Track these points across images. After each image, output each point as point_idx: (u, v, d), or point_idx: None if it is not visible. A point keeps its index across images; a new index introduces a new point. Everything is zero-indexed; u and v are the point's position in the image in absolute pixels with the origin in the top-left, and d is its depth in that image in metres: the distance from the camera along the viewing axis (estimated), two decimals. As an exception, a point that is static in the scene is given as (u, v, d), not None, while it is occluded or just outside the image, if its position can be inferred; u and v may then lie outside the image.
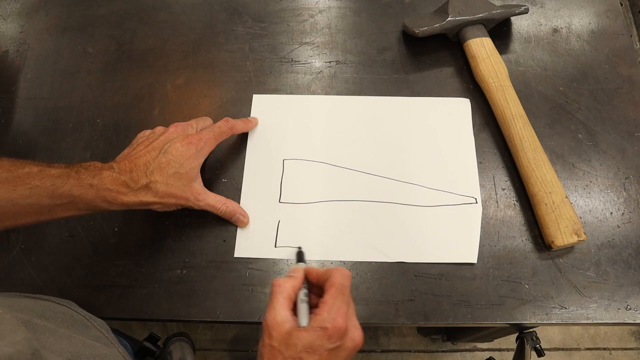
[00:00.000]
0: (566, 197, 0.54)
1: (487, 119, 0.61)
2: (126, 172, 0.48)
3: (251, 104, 0.63)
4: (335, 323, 0.39)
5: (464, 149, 0.59)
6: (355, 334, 0.41)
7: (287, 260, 0.54)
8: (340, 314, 0.40)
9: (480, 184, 0.58)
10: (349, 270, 0.54)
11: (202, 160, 0.53)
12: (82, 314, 0.46)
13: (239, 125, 0.58)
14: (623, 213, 0.56)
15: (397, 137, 0.61)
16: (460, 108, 0.62)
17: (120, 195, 0.47)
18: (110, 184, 0.46)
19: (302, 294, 0.43)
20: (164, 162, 0.49)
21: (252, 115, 0.62)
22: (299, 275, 0.44)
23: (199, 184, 0.53)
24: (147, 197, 0.48)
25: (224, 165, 0.60)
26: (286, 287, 0.42)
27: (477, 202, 0.56)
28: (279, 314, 0.40)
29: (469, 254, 0.54)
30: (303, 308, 0.42)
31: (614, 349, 1.24)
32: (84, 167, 0.47)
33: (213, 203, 0.53)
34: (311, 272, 0.44)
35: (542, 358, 0.65)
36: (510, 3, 0.69)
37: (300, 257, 0.50)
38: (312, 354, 0.39)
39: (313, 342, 0.39)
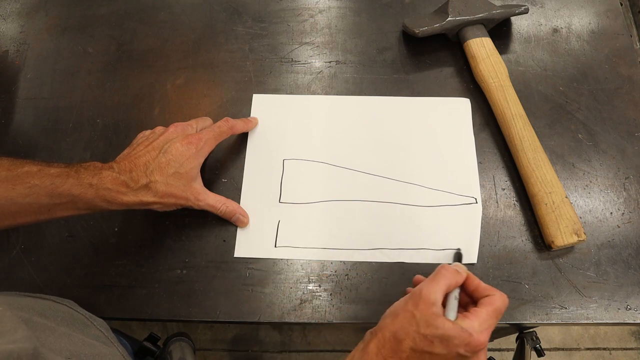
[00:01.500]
0: (566, 197, 0.54)
1: (487, 119, 0.61)
2: (126, 172, 0.48)
3: (251, 104, 0.63)
4: (480, 336, 0.40)
5: (464, 149, 0.59)
6: (482, 358, 0.42)
7: (287, 260, 0.54)
8: (488, 332, 0.41)
9: (480, 184, 0.58)
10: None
11: (202, 160, 0.53)
12: (82, 313, 0.46)
13: (239, 125, 0.58)
14: (623, 213, 0.56)
15: (397, 137, 0.61)
16: (460, 108, 0.62)
17: (120, 194, 0.47)
18: (110, 183, 0.46)
19: (457, 292, 0.44)
20: (164, 162, 0.49)
21: (252, 115, 0.62)
22: (463, 275, 0.44)
23: (199, 184, 0.53)
24: (147, 197, 0.49)
25: (224, 165, 0.60)
26: (452, 278, 0.43)
27: (477, 202, 0.56)
28: (436, 294, 0.41)
29: (469, 254, 0.54)
30: (454, 304, 0.43)
31: (614, 349, 1.24)
32: (84, 167, 0.47)
33: (213, 203, 0.53)
34: (472, 280, 0.45)
35: (542, 358, 0.65)
36: (510, 3, 0.69)
37: (458, 257, 0.51)
38: (444, 346, 0.39)
39: (452, 338, 0.39)
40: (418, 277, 0.49)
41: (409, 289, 0.48)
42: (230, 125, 0.56)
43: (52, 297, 0.45)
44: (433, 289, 0.41)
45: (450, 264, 0.46)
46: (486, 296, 0.43)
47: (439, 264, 0.53)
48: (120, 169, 0.48)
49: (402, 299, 0.43)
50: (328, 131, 0.61)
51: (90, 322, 0.45)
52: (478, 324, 0.40)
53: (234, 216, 0.55)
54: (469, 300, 0.46)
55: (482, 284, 0.44)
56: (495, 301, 0.42)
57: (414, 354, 0.40)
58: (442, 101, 0.63)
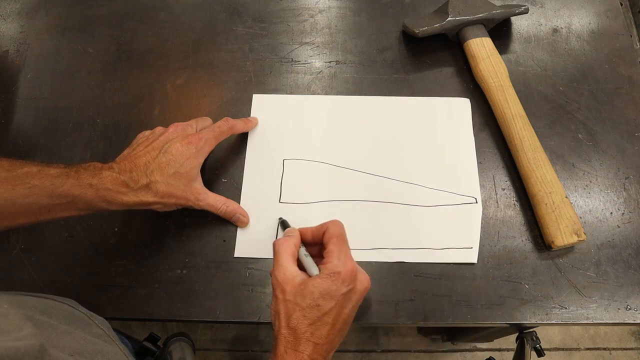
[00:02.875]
0: (566, 197, 0.54)
1: (487, 119, 0.61)
2: (126, 172, 0.48)
3: (251, 104, 0.63)
4: (346, 267, 0.43)
5: (464, 149, 0.59)
6: (363, 277, 0.44)
7: (287, 260, 0.54)
8: (348, 257, 0.44)
9: (480, 184, 0.58)
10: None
11: (202, 160, 0.53)
12: (84, 312, 0.46)
13: (238, 125, 0.58)
14: (623, 213, 0.56)
15: (397, 137, 0.61)
16: (460, 108, 0.62)
17: (120, 195, 0.47)
18: (110, 183, 0.46)
19: (304, 250, 0.47)
20: (164, 162, 0.49)
21: (252, 115, 0.62)
22: (296, 234, 0.47)
23: (199, 184, 0.53)
24: (147, 197, 0.48)
25: (224, 165, 0.60)
26: (288, 244, 0.45)
27: (477, 202, 0.56)
28: (287, 270, 0.43)
29: (469, 254, 0.54)
30: (309, 261, 0.45)
31: (614, 349, 1.24)
32: (84, 167, 0.47)
33: (213, 203, 0.53)
34: (306, 231, 0.48)
35: (542, 358, 0.65)
36: (510, 3, 0.69)
37: (284, 224, 0.53)
38: (328, 299, 0.41)
39: (329, 288, 0.42)
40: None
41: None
42: (230, 125, 0.56)
43: (54, 297, 0.45)
44: (282, 269, 0.43)
45: (279, 237, 0.48)
46: (323, 233, 0.46)
47: (439, 263, 0.53)
48: (120, 169, 0.48)
49: (273, 290, 0.44)
50: (328, 131, 0.61)
51: (92, 321, 0.45)
52: (337, 259, 0.43)
53: (234, 216, 0.55)
54: (319, 245, 0.48)
55: (314, 228, 0.47)
56: (333, 232, 0.45)
57: (315, 326, 0.41)
58: (442, 101, 0.63)
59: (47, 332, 0.37)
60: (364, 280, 0.45)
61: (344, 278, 0.42)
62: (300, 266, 0.46)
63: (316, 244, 0.48)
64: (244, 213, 0.55)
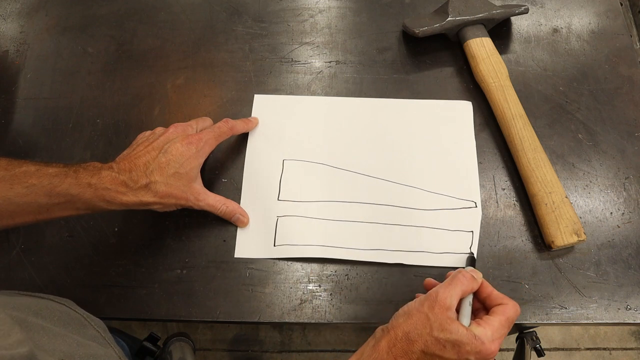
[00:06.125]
0: (566, 197, 0.54)
1: (487, 119, 0.61)
2: (125, 172, 0.48)
3: (251, 104, 0.63)
4: (491, 345, 0.40)
5: (465, 153, 0.59)
6: None
7: (286, 260, 0.54)
8: (499, 341, 0.42)
9: (480, 184, 0.58)
10: (354, 273, 0.54)
11: (202, 161, 0.53)
12: (80, 312, 0.46)
13: (239, 126, 0.58)
14: (623, 213, 0.56)
15: (398, 139, 0.60)
16: (462, 111, 0.62)
17: (119, 195, 0.47)
18: (109, 183, 0.46)
19: (471, 298, 0.45)
20: (164, 162, 0.49)
21: (253, 115, 0.62)
22: (479, 282, 0.45)
23: (199, 184, 0.53)
24: (146, 197, 0.48)
25: (224, 165, 0.60)
26: (468, 283, 0.43)
27: (476, 207, 0.56)
28: (452, 298, 0.42)
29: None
30: (468, 310, 0.44)
31: (614, 349, 1.24)
32: (83, 167, 0.47)
33: (213, 203, 0.53)
34: (486, 287, 0.46)
35: (542, 358, 0.65)
36: (510, 3, 0.69)
37: (472, 261, 0.51)
38: (454, 352, 0.40)
39: (464, 344, 0.40)
40: (429, 280, 0.50)
41: (418, 294, 0.48)
42: (230, 126, 0.56)
43: (50, 297, 0.45)
44: (449, 293, 0.42)
45: (464, 267, 0.46)
46: (499, 304, 0.44)
47: (438, 267, 0.53)
48: (120, 169, 0.48)
49: (416, 300, 0.43)
50: (329, 133, 0.61)
51: (88, 322, 0.45)
52: (491, 332, 0.41)
53: (234, 216, 0.55)
54: (479, 306, 0.46)
55: (495, 292, 0.45)
56: (507, 310, 0.43)
57: (425, 356, 0.40)
58: (444, 104, 0.62)
59: (38, 335, 0.37)
60: None
61: (481, 350, 0.40)
62: (457, 307, 0.44)
63: (482, 305, 0.46)
64: (243, 213, 0.55)
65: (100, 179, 0.46)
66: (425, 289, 0.48)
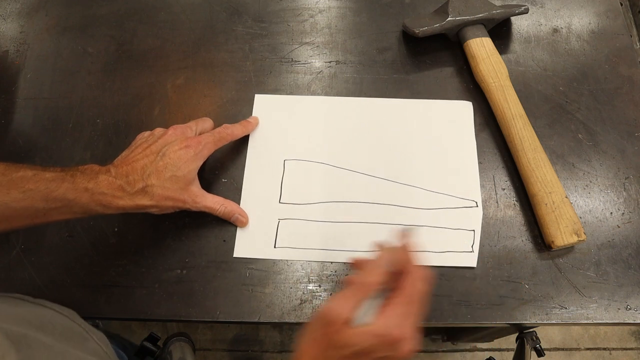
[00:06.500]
0: (566, 197, 0.54)
1: (487, 119, 0.61)
2: (122, 176, 0.48)
3: (251, 104, 0.63)
4: (398, 331, 0.37)
5: (466, 153, 0.59)
6: (408, 346, 0.38)
7: (286, 260, 0.54)
8: (407, 322, 0.38)
9: (480, 184, 0.58)
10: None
11: (200, 164, 0.53)
12: (82, 325, 0.45)
13: (238, 131, 0.58)
14: (623, 213, 0.56)
15: (399, 139, 0.60)
16: (463, 111, 0.62)
17: (115, 199, 0.47)
18: (106, 187, 0.46)
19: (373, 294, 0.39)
20: (161, 166, 0.49)
21: (253, 115, 0.62)
22: (376, 278, 0.39)
23: (196, 187, 0.53)
24: (143, 201, 0.48)
25: (224, 165, 0.60)
26: (361, 290, 0.39)
27: (477, 206, 0.56)
28: (344, 313, 0.37)
29: (469, 257, 0.54)
30: (369, 305, 0.39)
31: (614, 349, 1.24)
32: (80, 171, 0.46)
33: (211, 205, 0.53)
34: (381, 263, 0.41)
35: (542, 358, 0.65)
36: (510, 3, 0.69)
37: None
38: (368, 359, 0.37)
39: (370, 348, 0.36)
40: (356, 260, 0.45)
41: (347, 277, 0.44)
42: (229, 132, 0.56)
43: (54, 306, 0.45)
44: (341, 308, 0.37)
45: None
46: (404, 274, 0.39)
47: (439, 266, 0.53)
48: (117, 173, 0.48)
49: (315, 318, 0.39)
50: (330, 133, 0.61)
51: (89, 336, 0.45)
52: (395, 318, 0.37)
53: (233, 216, 0.55)
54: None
55: (401, 258, 0.40)
56: (406, 286, 0.39)
57: None
58: (445, 104, 0.62)
59: (37, 352, 0.37)
60: (404, 348, 0.38)
61: (390, 342, 0.37)
62: None
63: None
64: (242, 213, 0.55)
65: (97, 183, 0.46)
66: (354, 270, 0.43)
